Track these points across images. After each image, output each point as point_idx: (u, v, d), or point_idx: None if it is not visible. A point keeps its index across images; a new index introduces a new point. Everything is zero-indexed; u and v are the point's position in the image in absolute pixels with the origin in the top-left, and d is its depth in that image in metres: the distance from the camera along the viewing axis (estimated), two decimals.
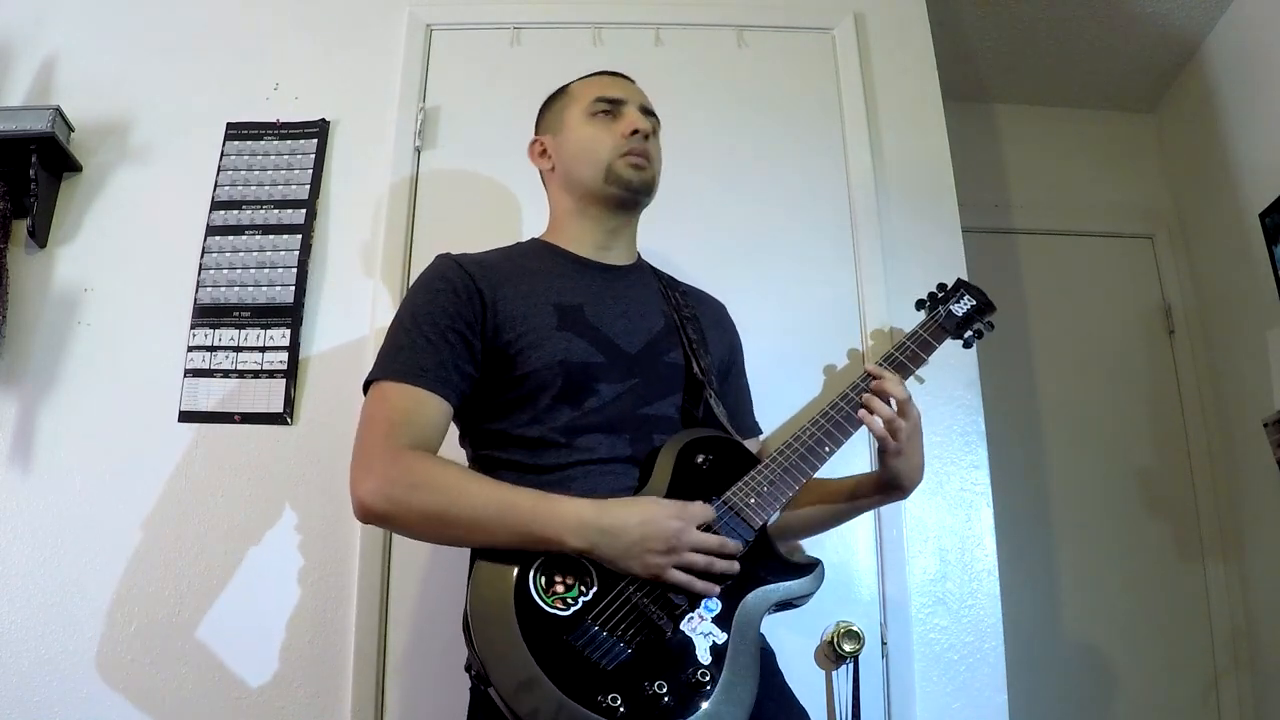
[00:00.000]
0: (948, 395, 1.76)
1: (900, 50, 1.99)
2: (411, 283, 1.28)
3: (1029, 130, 2.78)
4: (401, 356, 1.16)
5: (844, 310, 1.79)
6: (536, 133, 1.41)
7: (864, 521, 1.67)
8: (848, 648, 1.54)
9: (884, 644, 1.60)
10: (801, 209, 1.86)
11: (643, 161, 1.29)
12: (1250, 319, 2.33)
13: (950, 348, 1.44)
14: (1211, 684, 2.34)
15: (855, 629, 1.56)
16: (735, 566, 1.08)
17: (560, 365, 1.17)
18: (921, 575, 1.66)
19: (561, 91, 1.40)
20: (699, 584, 1.05)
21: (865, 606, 1.63)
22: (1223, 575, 2.40)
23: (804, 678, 1.55)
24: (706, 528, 1.09)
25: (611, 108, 1.31)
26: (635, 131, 1.28)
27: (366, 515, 1.09)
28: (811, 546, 1.63)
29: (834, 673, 1.58)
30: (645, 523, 1.04)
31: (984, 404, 1.76)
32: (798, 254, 1.82)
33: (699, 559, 1.05)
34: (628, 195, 1.29)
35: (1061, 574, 2.43)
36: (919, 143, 1.92)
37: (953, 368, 1.76)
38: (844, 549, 1.66)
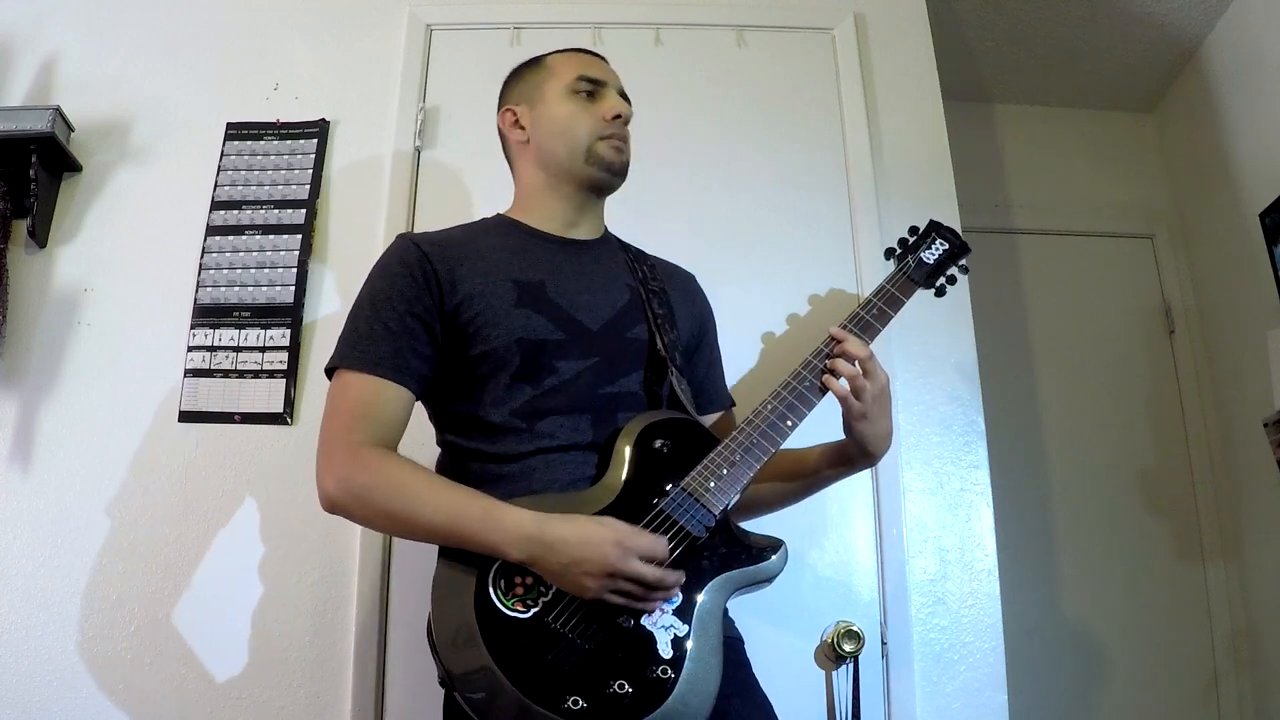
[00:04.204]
0: (947, 394, 1.76)
1: (900, 50, 1.99)
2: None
3: (1029, 130, 2.77)
4: (361, 345, 1.16)
5: (844, 310, 1.77)
6: (506, 101, 1.37)
7: (864, 521, 1.68)
8: (848, 648, 1.54)
9: (884, 644, 1.60)
10: (801, 209, 1.86)
11: (622, 145, 1.30)
12: (1250, 319, 2.33)
13: (934, 312, 1.40)
14: (1211, 684, 2.34)
15: (855, 629, 1.56)
16: (676, 596, 1.05)
17: (517, 344, 1.16)
18: (921, 575, 1.66)
19: (536, 63, 1.36)
20: (636, 605, 1.02)
21: (865, 606, 1.63)
22: (1223, 575, 2.40)
23: (804, 678, 1.55)
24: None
25: (593, 88, 1.30)
26: (617, 116, 1.29)
27: (330, 507, 1.11)
28: (812, 549, 1.64)
29: (834, 673, 1.58)
30: (583, 544, 1.00)
31: (984, 404, 1.76)
32: (798, 254, 1.82)
33: (635, 589, 1.01)
34: (607, 177, 1.29)
35: (1061, 574, 2.43)
36: (919, 143, 1.92)
37: (952, 367, 1.77)
38: (844, 549, 1.66)
